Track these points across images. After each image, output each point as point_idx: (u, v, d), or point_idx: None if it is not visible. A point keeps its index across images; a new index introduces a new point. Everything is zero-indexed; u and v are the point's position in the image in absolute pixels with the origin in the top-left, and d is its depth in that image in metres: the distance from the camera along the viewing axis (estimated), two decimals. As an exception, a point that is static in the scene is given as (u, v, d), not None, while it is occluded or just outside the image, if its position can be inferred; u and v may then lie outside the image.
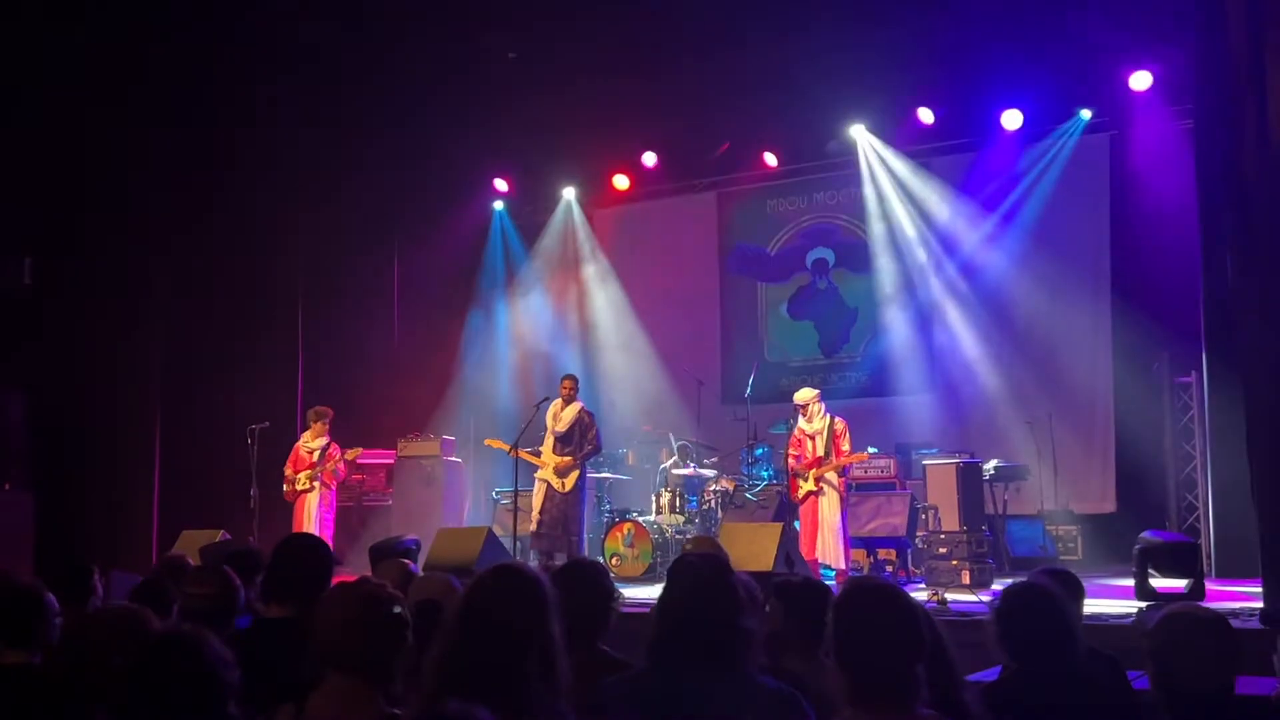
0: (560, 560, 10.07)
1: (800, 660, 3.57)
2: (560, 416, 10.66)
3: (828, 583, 8.99)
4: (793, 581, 4.00)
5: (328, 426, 11.22)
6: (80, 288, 11.84)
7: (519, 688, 2.70)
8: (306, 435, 11.26)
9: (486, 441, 11.54)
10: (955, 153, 13.25)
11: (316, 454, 11.11)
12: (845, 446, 9.89)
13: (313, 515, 10.98)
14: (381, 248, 14.48)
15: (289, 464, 11.19)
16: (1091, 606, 6.44)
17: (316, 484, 11.05)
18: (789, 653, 3.61)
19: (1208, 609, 3.30)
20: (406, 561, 5.07)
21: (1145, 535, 7.78)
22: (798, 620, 3.69)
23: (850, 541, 9.92)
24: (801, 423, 10.05)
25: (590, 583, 3.63)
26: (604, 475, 12.14)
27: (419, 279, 14.44)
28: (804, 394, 10.15)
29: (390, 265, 14.64)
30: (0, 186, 11.15)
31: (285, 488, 11.13)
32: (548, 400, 10.89)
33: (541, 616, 2.80)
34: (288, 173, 12.52)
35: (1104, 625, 6.86)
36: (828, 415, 10.03)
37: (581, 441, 10.64)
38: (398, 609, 2.95)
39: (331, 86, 12.30)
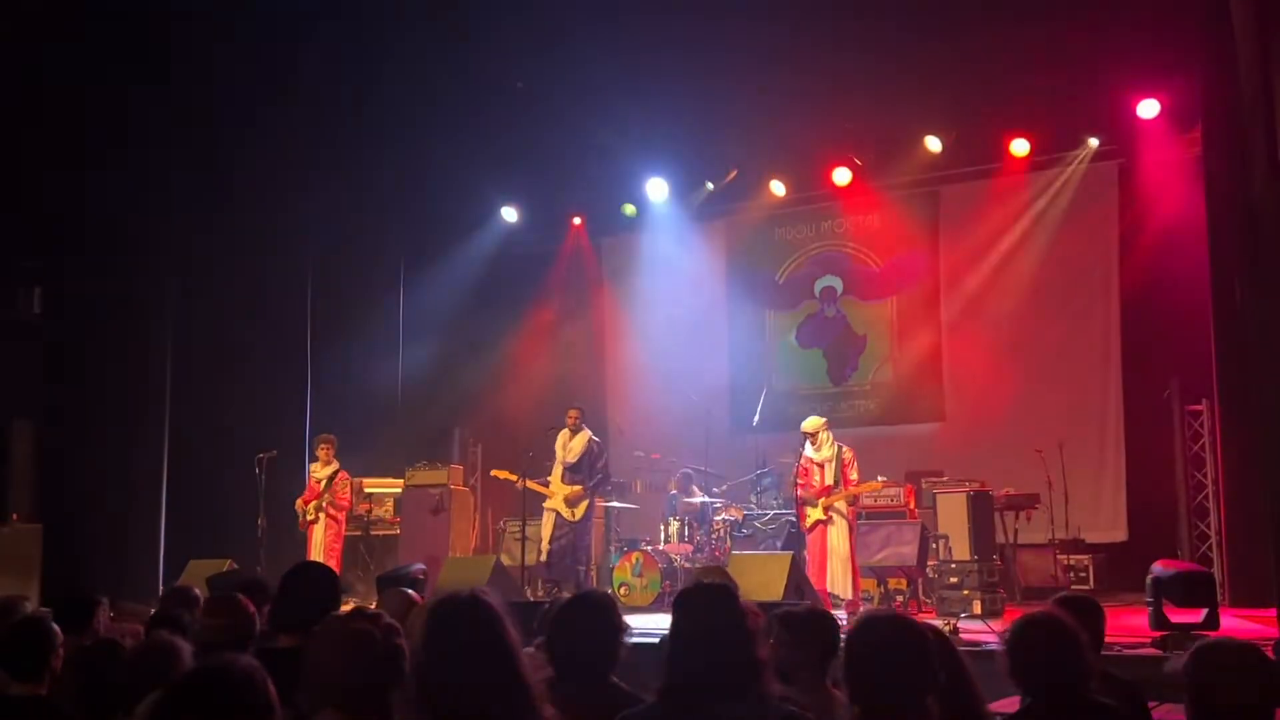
0: (568, 590, 10.02)
1: (807, 691, 3.54)
2: (570, 446, 10.65)
3: (836, 612, 8.95)
4: (795, 612, 3.97)
5: (331, 451, 11.19)
6: (88, 317, 11.86)
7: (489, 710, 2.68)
8: (315, 465, 11.24)
9: (493, 472, 11.52)
10: (963, 180, 13.26)
11: (323, 483, 11.08)
12: (854, 475, 9.85)
13: (320, 546, 10.93)
14: (390, 276, 14.51)
15: (303, 496, 11.17)
16: (1106, 636, 6.36)
17: (321, 514, 11.00)
18: (796, 683, 3.57)
19: (1242, 640, 3.25)
20: (409, 592, 5.02)
21: (1158, 565, 7.72)
22: (807, 650, 3.66)
23: (859, 571, 9.85)
24: (809, 451, 10.00)
25: (600, 615, 3.59)
26: (612, 504, 12.10)
27: (427, 307, 14.45)
28: (812, 422, 10.10)
29: (398, 293, 14.66)
30: (9, 216, 11.20)
31: (299, 520, 11.12)
32: (555, 429, 10.87)
33: (495, 639, 2.77)
34: (295, 201, 12.55)
35: (1118, 656, 6.79)
36: (835, 444, 9.99)
37: (591, 471, 10.62)
38: (392, 641, 2.88)
39: (339, 115, 12.36)
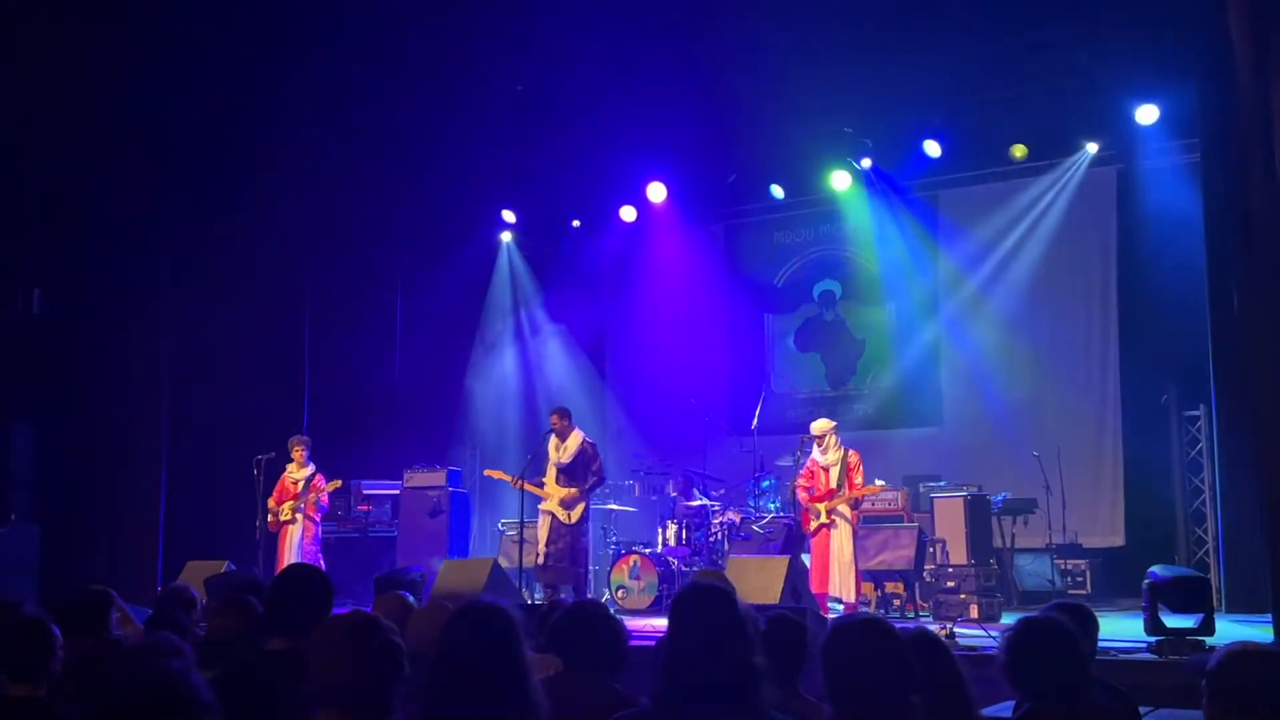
0: (566, 593, 10.03)
1: (777, 691, 3.55)
2: (564, 448, 10.60)
3: (832, 615, 8.96)
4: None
5: (305, 453, 11.16)
6: (87, 318, 11.87)
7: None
8: (291, 466, 11.19)
9: (486, 472, 11.51)
10: (962, 185, 13.28)
11: (300, 484, 11.05)
12: (858, 479, 9.82)
13: (294, 547, 10.86)
14: (389, 279, 14.51)
15: (274, 496, 11.12)
16: (1101, 641, 6.37)
17: (299, 515, 10.97)
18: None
19: (1266, 646, 3.22)
20: (406, 595, 5.02)
21: (1154, 570, 7.72)
22: (775, 653, 3.67)
23: (859, 574, 9.86)
24: (816, 454, 9.98)
25: (596, 624, 3.61)
26: (610, 507, 12.10)
27: (426, 310, 14.46)
28: (821, 425, 10.06)
29: (397, 296, 14.66)
30: (9, 217, 11.21)
31: (269, 519, 11.06)
32: (552, 431, 10.86)
33: (510, 648, 2.80)
34: (293, 204, 12.56)
35: (1113, 660, 6.81)
36: (842, 447, 9.96)
37: (586, 473, 10.59)
38: (391, 640, 2.90)
39: (337, 118, 12.35)
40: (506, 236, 15.48)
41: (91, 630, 4.27)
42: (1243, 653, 3.05)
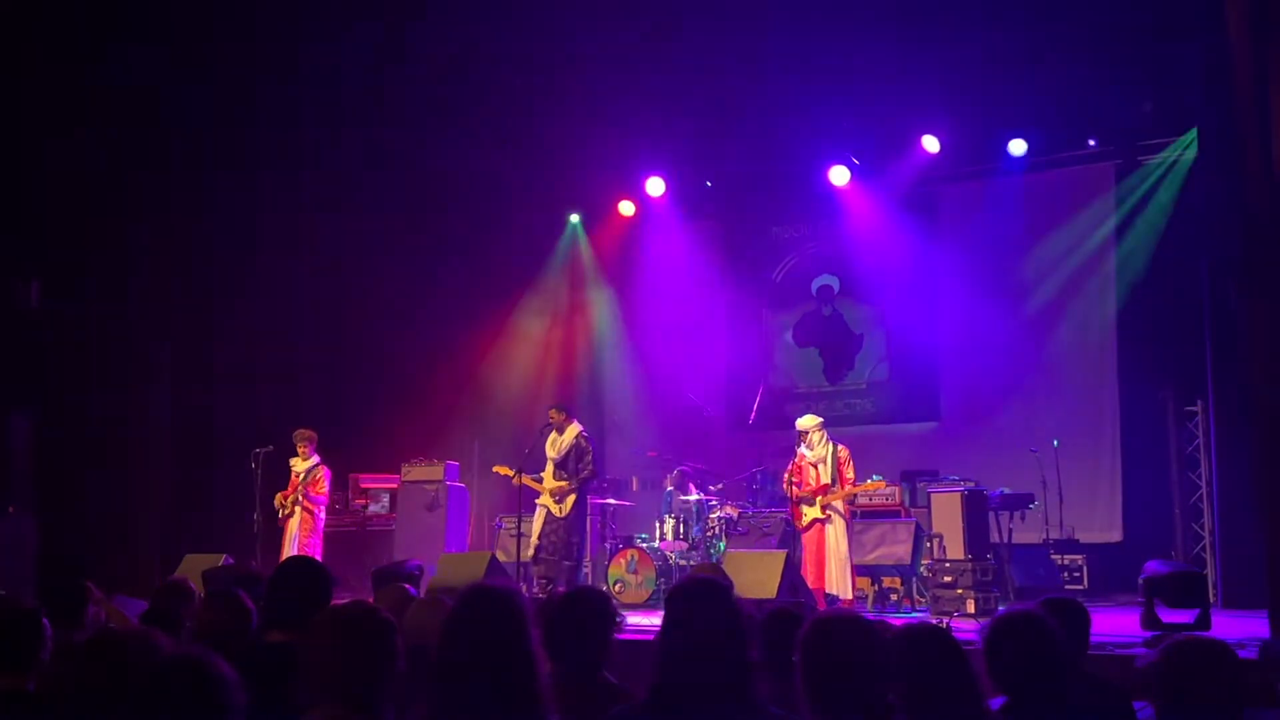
0: (560, 586, 10.04)
1: (774, 684, 3.56)
2: (559, 442, 10.64)
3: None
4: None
5: (310, 447, 11.12)
6: (87, 309, 11.86)
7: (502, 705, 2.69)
8: (295, 460, 11.17)
9: (495, 469, 11.52)
10: (961, 181, 13.28)
11: (302, 476, 11.03)
12: (850, 474, 9.82)
13: (292, 539, 10.84)
14: (388, 273, 14.48)
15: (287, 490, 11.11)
16: (1097, 636, 6.38)
17: (296, 508, 10.94)
18: (763, 677, 3.59)
19: (1211, 639, 3.27)
20: (407, 587, 5.03)
21: (1151, 565, 7.74)
22: (773, 647, 3.67)
23: (855, 569, 9.86)
24: (803, 449, 9.99)
25: (592, 610, 3.60)
26: (608, 501, 12.10)
27: (423, 304, 14.44)
28: (806, 421, 10.08)
29: (397, 289, 14.63)
30: (9, 208, 11.20)
31: (279, 513, 11.04)
32: (548, 428, 10.87)
33: (517, 633, 2.79)
34: (292, 197, 12.55)
35: (1109, 656, 6.81)
36: (830, 442, 9.95)
37: (578, 466, 10.62)
38: (386, 632, 2.89)
39: (336, 112, 12.34)
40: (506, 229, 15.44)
41: (65, 623, 4.28)
42: (1182, 646, 3.10)
